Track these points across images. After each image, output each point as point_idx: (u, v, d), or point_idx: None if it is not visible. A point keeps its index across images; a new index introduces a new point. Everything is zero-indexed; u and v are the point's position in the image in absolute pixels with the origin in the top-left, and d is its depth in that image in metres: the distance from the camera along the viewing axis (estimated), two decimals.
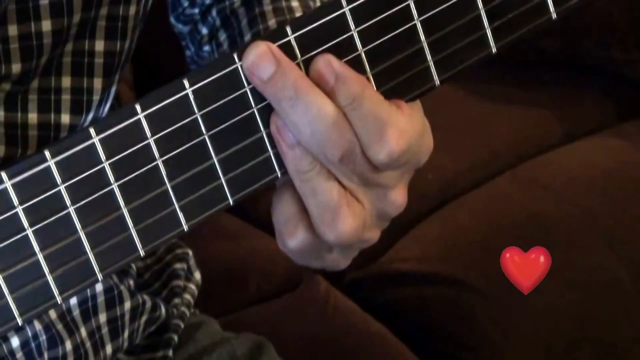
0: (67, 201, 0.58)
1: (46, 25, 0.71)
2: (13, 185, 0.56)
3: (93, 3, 0.73)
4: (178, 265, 0.96)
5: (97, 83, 0.76)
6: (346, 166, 0.63)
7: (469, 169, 1.60)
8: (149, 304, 0.87)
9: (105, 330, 0.83)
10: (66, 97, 0.75)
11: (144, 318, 0.87)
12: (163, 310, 0.89)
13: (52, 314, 0.79)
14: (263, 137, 0.62)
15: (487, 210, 1.50)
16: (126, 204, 0.59)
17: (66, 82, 0.75)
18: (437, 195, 1.55)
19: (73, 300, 0.80)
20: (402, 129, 0.63)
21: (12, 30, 0.70)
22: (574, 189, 1.52)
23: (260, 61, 0.61)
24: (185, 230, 0.61)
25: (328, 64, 0.62)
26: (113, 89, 0.78)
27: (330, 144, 0.62)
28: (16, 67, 0.71)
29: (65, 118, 0.75)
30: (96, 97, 0.76)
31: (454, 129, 1.63)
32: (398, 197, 0.67)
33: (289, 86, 0.61)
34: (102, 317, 0.83)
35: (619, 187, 1.52)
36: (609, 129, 1.70)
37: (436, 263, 1.41)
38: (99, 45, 0.76)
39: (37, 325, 0.78)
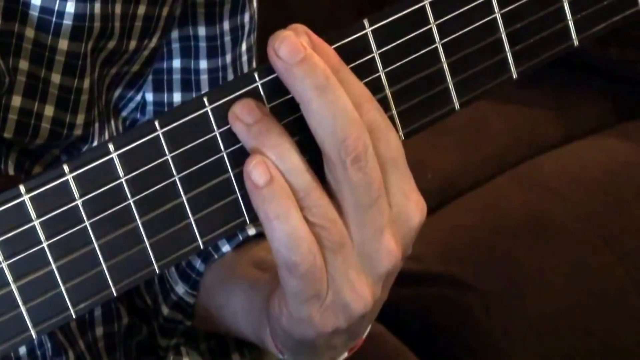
0: (84, 215, 0.58)
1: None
2: (31, 199, 0.57)
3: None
4: None
5: (80, 119, 0.77)
6: (356, 172, 0.61)
7: (469, 169, 1.60)
8: (145, 330, 0.87)
9: (101, 344, 0.83)
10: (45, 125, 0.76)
11: (138, 338, 0.87)
12: (160, 336, 0.90)
13: None
14: None
15: (487, 210, 1.50)
16: (141, 218, 0.59)
17: (49, 111, 0.76)
18: (437, 195, 1.55)
19: None
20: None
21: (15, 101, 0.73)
22: (573, 189, 1.51)
23: (288, 43, 0.60)
24: (201, 247, 0.61)
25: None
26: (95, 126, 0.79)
27: (349, 140, 0.60)
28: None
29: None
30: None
31: (454, 129, 1.62)
32: (390, 243, 0.63)
33: (320, 72, 0.60)
34: (99, 331, 0.83)
35: (619, 187, 1.52)
36: (609, 129, 1.69)
37: (436, 263, 1.41)
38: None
39: None
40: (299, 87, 0.60)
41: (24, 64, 0.72)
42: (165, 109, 0.85)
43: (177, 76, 0.84)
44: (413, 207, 0.64)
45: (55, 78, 0.74)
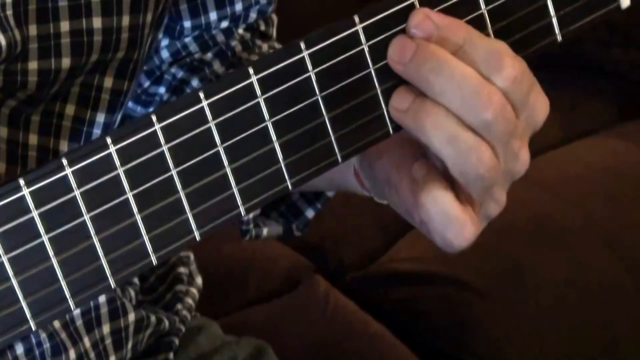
0: (83, 208, 0.58)
1: (65, 62, 0.73)
2: (31, 193, 0.57)
3: (111, 46, 0.75)
4: (181, 270, 0.97)
5: (100, 117, 0.77)
6: (498, 126, 0.63)
7: None
8: (153, 319, 0.88)
9: (108, 341, 0.84)
10: (67, 124, 0.76)
11: (148, 331, 0.88)
12: (167, 323, 0.90)
13: (56, 322, 0.79)
14: (275, 148, 0.62)
15: None
16: (140, 211, 0.60)
17: (70, 110, 0.76)
18: None
19: (76, 310, 0.80)
20: (514, 55, 0.64)
21: (32, 64, 0.71)
22: (574, 189, 1.52)
23: (395, 46, 0.63)
24: (197, 239, 0.61)
25: (428, 17, 0.63)
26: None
27: (481, 103, 0.62)
28: (30, 92, 0.72)
29: (64, 145, 0.76)
30: (97, 131, 0.77)
31: None
32: (525, 154, 0.67)
33: (430, 58, 0.62)
34: (106, 329, 0.84)
35: (619, 187, 1.53)
36: (609, 129, 1.70)
37: (436, 263, 1.41)
38: (108, 82, 0.77)
39: (42, 333, 0.78)
40: (418, 79, 0.62)
41: (32, 29, 0.72)
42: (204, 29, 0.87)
43: None
44: (543, 109, 0.67)
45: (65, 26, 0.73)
